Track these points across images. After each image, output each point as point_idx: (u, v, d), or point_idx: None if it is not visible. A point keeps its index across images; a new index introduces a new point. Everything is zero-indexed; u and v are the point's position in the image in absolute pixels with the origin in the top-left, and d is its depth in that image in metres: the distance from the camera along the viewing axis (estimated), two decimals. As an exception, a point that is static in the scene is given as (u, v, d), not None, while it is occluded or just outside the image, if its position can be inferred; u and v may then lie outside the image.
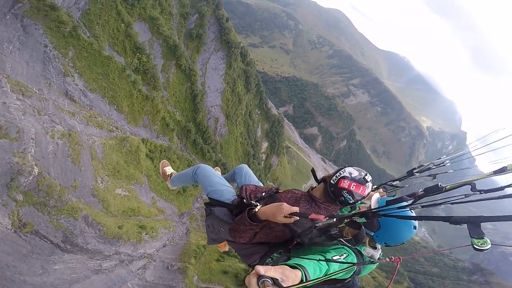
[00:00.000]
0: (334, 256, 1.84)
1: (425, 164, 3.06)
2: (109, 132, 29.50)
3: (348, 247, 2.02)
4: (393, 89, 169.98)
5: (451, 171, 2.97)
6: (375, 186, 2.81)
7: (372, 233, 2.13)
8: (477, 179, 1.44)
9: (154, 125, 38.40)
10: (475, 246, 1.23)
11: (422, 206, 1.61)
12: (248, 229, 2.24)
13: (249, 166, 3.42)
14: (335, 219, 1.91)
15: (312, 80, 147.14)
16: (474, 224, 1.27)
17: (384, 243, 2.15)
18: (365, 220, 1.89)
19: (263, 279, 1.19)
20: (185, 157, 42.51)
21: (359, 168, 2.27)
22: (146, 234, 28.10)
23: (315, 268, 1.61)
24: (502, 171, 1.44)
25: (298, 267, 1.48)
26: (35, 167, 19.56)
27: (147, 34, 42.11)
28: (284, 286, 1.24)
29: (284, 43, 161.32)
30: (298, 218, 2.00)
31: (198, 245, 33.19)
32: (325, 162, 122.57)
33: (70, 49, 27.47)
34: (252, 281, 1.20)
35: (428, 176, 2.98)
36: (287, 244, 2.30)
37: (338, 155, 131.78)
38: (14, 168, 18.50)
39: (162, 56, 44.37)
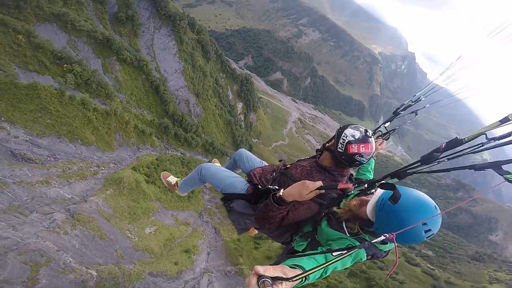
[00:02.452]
0: (336, 251, 1.64)
1: (405, 103, 2.99)
2: (95, 178, 24.62)
3: (351, 235, 1.94)
4: (339, 23, 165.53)
5: (427, 105, 3.02)
6: (372, 132, 2.26)
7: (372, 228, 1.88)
8: (488, 129, 1.44)
9: (130, 139, 31.45)
10: (510, 179, 1.29)
11: (448, 159, 1.55)
12: (277, 214, 2.10)
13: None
14: (365, 185, 1.84)
15: (263, 27, 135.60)
16: (497, 167, 1.33)
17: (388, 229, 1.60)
18: (397, 180, 1.69)
19: (263, 279, 1.11)
20: (175, 156, 36.84)
21: (356, 126, 2.18)
22: (194, 255, 27.96)
23: (314, 267, 1.44)
24: (506, 120, 1.41)
25: (297, 267, 1.42)
26: (88, 270, 18.16)
27: (62, 35, 31.62)
28: (287, 277, 1.16)
29: None
30: (323, 191, 1.90)
31: (233, 241, 32.50)
32: (296, 102, 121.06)
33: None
34: (252, 281, 1.12)
35: (411, 113, 3.00)
36: (315, 216, 2.19)
37: (306, 92, 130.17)
38: (77, 283, 16.99)
39: (96, 55, 34.45)
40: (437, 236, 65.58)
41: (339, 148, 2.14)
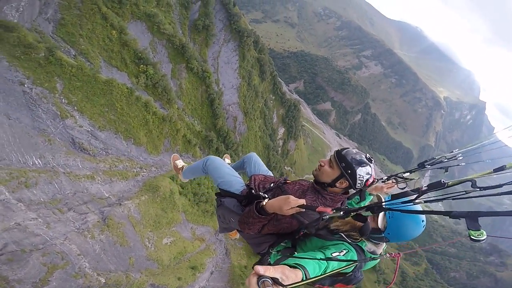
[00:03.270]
0: (334, 252, 1.80)
1: (436, 157, 2.89)
2: (135, 180, 25.06)
3: (349, 243, 1.99)
4: (406, 60, 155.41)
5: (463, 164, 2.81)
6: (386, 177, 2.59)
7: (383, 234, 2.06)
8: (478, 177, 1.44)
9: (176, 146, 32.56)
10: (472, 237, 1.26)
11: (426, 201, 1.60)
12: (257, 222, 2.16)
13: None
14: (342, 212, 1.88)
15: (321, 54, 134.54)
16: (472, 218, 1.28)
17: (397, 240, 2.04)
18: (371, 214, 1.86)
19: (263, 279, 1.12)
20: None
21: (361, 158, 2.20)
22: (199, 272, 27.71)
23: (314, 266, 1.57)
24: (501, 169, 1.41)
25: (298, 266, 1.44)
26: (98, 277, 18.26)
27: (147, 36, 33.51)
28: (285, 284, 1.18)
29: (288, 16, 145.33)
30: (303, 210, 1.95)
31: (240, 267, 32.39)
32: (340, 137, 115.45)
33: (56, 81, 20.41)
34: (252, 281, 1.13)
35: (440, 168, 2.81)
36: (294, 234, 2.27)
37: (353, 129, 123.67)
38: (83, 288, 16.71)
39: (169, 60, 36.07)
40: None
41: (358, 185, 2.18)
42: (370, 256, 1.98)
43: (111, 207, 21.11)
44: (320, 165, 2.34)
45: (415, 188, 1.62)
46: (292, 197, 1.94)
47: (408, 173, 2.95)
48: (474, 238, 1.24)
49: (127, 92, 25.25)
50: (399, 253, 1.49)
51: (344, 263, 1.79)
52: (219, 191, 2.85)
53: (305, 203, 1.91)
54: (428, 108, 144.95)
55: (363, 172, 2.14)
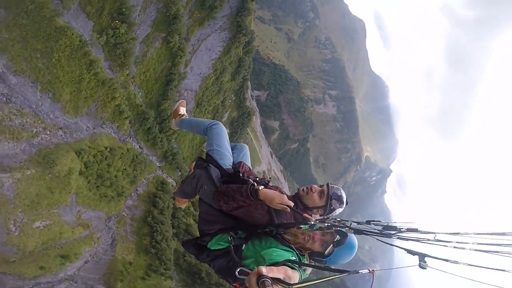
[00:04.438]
0: (292, 257, 1.96)
1: (382, 221, 2.85)
2: (29, 143, 20.90)
3: (297, 253, 2.17)
4: (359, 111, 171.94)
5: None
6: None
7: (325, 259, 2.31)
8: (440, 233, 1.78)
9: (103, 113, 28.52)
10: (421, 265, 1.63)
11: (399, 238, 1.93)
12: (241, 200, 2.26)
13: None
14: (326, 224, 2.22)
15: (297, 76, 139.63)
16: (422, 256, 1.66)
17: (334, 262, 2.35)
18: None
19: (263, 279, 1.12)
20: (130, 151, 34.13)
21: (343, 192, 2.67)
22: (69, 262, 24.55)
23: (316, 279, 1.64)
24: (414, 230, 1.83)
25: (296, 269, 1.51)
26: None
27: None
28: (291, 283, 1.20)
29: (291, 30, 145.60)
30: (288, 210, 2.17)
31: (124, 262, 28.91)
32: (271, 157, 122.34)
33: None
34: (252, 280, 1.13)
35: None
36: (257, 228, 2.36)
37: (285, 154, 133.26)
38: None
39: (152, 25, 32.30)
40: None
41: (325, 217, 2.59)
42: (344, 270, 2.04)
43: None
44: (311, 190, 2.59)
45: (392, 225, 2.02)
46: (286, 196, 2.24)
47: (356, 224, 3.48)
48: (423, 265, 1.61)
49: (77, 45, 21.61)
50: (373, 270, 1.63)
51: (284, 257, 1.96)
52: (204, 158, 2.96)
53: (293, 206, 2.18)
54: (349, 161, 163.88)
55: (337, 212, 2.57)
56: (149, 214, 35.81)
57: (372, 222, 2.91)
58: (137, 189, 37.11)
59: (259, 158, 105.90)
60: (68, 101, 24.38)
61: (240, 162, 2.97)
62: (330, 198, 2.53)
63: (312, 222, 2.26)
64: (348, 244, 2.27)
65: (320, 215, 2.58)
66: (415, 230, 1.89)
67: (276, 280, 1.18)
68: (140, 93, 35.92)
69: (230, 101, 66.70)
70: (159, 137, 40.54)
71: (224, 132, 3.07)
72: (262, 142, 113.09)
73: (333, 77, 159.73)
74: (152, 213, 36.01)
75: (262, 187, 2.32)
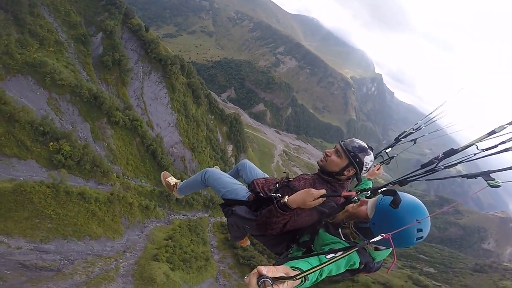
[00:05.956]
0: (329, 255, 1.70)
1: (406, 130, 3.16)
2: (121, 276, 22.51)
3: (347, 242, 2.00)
4: (312, 49, 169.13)
5: (427, 134, 3.12)
6: (374, 156, 2.48)
7: (368, 224, 1.94)
8: (477, 142, 1.61)
9: (135, 218, 27.65)
10: (491, 184, 1.49)
11: (445, 167, 1.71)
12: (280, 220, 2.17)
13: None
14: (369, 192, 1.93)
15: (243, 58, 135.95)
16: (486, 175, 1.52)
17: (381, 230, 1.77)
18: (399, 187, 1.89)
19: (263, 279, 1.09)
20: (182, 225, 35.23)
21: (365, 147, 2.33)
22: None
23: (313, 266, 1.49)
24: (493, 133, 1.60)
25: (297, 269, 1.42)
26: None
27: (41, 92, 25.29)
28: (289, 276, 1.16)
29: (203, 25, 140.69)
30: (324, 199, 2.02)
31: None
32: (279, 134, 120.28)
33: None
34: (252, 280, 1.10)
35: (410, 141, 3.13)
36: (315, 225, 2.24)
37: (288, 122, 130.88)
38: None
39: (83, 119, 27.98)
40: (435, 252, 68.09)
41: (363, 172, 2.31)
42: (364, 247, 1.89)
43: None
44: (326, 155, 2.40)
45: (432, 158, 1.74)
46: (312, 189, 2.03)
47: (390, 148, 3.21)
48: (493, 184, 1.47)
49: (50, 193, 19.50)
50: (388, 234, 1.46)
51: (342, 268, 1.79)
52: (223, 202, 2.77)
53: (325, 193, 2.01)
54: (341, 89, 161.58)
55: (368, 160, 2.28)
56: (237, 256, 36.62)
57: (400, 137, 3.13)
58: (211, 244, 37.41)
59: (271, 143, 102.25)
60: (105, 231, 24.11)
61: (253, 181, 2.80)
62: (349, 151, 2.28)
63: (355, 197, 2.03)
64: (386, 201, 1.82)
65: (355, 174, 2.33)
66: (454, 152, 1.75)
67: (276, 279, 1.12)
68: (142, 180, 32.45)
69: (212, 122, 62.68)
70: (189, 199, 37.48)
71: (218, 173, 2.94)
72: (263, 129, 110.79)
73: (269, 38, 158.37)
74: (238, 254, 36.60)
75: (287, 196, 2.14)
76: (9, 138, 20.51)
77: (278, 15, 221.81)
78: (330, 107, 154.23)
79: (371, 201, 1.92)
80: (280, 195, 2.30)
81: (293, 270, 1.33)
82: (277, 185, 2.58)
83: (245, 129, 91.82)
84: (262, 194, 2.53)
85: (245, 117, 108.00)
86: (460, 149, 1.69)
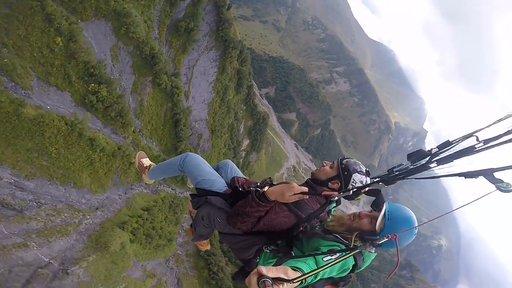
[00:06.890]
0: (326, 257, 1.71)
1: (403, 164, 2.75)
2: (78, 232, 21.90)
3: (345, 244, 1.96)
4: (372, 80, 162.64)
5: (417, 174, 2.64)
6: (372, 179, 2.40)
7: (378, 236, 1.97)
8: (477, 132, 1.44)
9: (128, 178, 28.48)
10: (502, 188, 1.24)
11: (438, 163, 1.56)
12: (254, 211, 2.06)
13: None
14: (351, 192, 1.89)
15: (298, 63, 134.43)
16: (488, 175, 1.28)
17: (388, 246, 1.95)
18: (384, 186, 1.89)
19: (263, 279, 1.08)
20: (166, 199, 35.09)
21: (360, 167, 2.34)
22: None
23: (314, 269, 1.51)
24: (499, 121, 1.38)
25: (298, 270, 1.42)
26: None
27: (110, 39, 26.86)
28: (289, 278, 1.16)
29: (277, 19, 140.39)
30: (307, 196, 1.94)
31: None
32: (297, 149, 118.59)
33: None
34: (252, 280, 1.09)
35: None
36: (292, 231, 2.14)
37: (311, 142, 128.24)
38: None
39: (133, 71, 30.09)
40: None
41: (348, 191, 2.18)
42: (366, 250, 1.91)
43: (60, 281, 18.41)
44: (323, 165, 2.46)
45: (427, 151, 1.61)
46: (294, 183, 1.94)
47: (378, 178, 3.10)
48: (504, 188, 1.22)
49: (65, 131, 19.76)
50: (395, 234, 1.44)
51: (337, 269, 1.78)
52: (195, 193, 2.66)
53: (307, 190, 1.91)
54: (379, 131, 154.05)
55: (357, 179, 2.22)
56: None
57: (394, 169, 2.62)
58: (182, 226, 37.42)
59: (285, 154, 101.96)
60: (91, 183, 24.28)
61: (233, 177, 2.70)
62: (341, 165, 2.31)
63: (336, 197, 2.02)
64: (394, 209, 1.98)
65: (339, 188, 2.29)
66: (448, 144, 1.57)
67: (276, 279, 1.11)
68: (154, 143, 34.17)
69: (241, 112, 63.91)
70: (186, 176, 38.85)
71: (199, 159, 2.78)
72: (283, 137, 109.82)
73: (334, 54, 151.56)
74: (201, 247, 37.70)
75: (267, 187, 2.06)
76: (60, 70, 21.46)
77: (355, 35, 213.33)
78: (359, 145, 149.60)
79: (380, 217, 1.95)
80: (260, 187, 2.17)
81: (294, 270, 1.34)
82: (258, 184, 2.51)
83: (268, 131, 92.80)
84: (240, 189, 2.45)
85: (272, 119, 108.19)
86: (457, 140, 1.52)
